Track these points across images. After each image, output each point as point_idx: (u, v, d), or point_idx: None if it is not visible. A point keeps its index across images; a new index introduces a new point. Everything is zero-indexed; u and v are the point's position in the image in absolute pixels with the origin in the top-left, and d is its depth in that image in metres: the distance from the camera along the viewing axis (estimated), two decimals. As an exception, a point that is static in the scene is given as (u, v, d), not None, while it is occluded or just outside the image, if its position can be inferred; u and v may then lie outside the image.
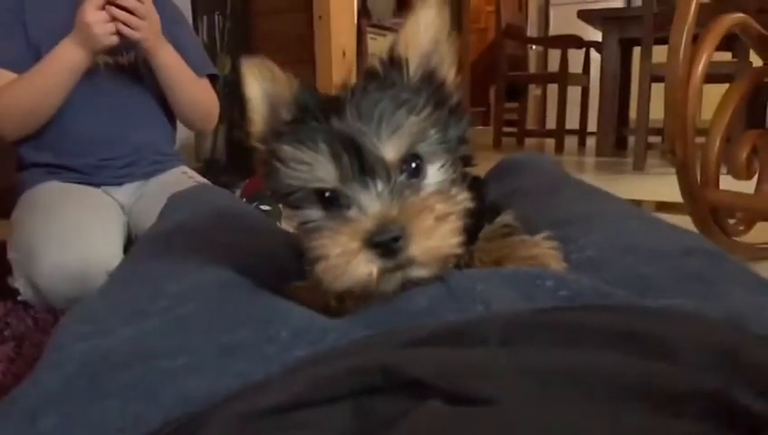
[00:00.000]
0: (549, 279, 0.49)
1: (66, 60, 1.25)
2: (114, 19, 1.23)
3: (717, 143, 1.34)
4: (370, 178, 0.48)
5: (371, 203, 0.47)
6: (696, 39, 1.27)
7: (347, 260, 0.46)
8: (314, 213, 0.51)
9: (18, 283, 1.16)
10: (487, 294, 0.48)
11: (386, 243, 0.45)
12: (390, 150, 0.49)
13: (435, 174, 0.52)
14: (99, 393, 0.43)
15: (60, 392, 0.43)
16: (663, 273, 0.55)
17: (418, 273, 0.47)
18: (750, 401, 0.28)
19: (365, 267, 0.45)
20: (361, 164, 0.48)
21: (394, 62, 0.53)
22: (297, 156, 0.49)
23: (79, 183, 1.35)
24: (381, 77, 0.52)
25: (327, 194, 0.50)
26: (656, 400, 0.29)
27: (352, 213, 0.47)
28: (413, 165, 0.50)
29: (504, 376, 0.31)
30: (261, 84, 0.54)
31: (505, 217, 0.60)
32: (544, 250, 0.56)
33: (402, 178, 0.49)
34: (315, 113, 0.50)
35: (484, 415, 0.30)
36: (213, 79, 1.54)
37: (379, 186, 0.48)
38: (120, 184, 1.39)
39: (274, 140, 0.52)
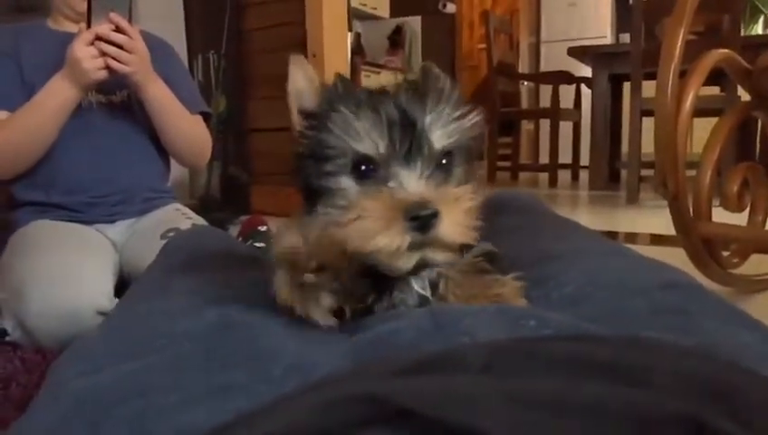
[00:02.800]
0: (532, 319, 0.51)
1: (57, 96, 1.26)
2: (104, 54, 1.24)
3: (708, 176, 1.35)
4: (415, 157, 0.52)
5: (414, 181, 0.51)
6: (683, 75, 1.30)
7: (384, 225, 0.49)
8: (348, 182, 0.53)
9: (7, 323, 1.14)
10: (473, 327, 0.49)
11: (423, 218, 0.49)
12: (438, 139, 0.53)
13: (458, 175, 0.57)
14: (93, 430, 0.43)
15: (55, 429, 0.44)
16: (641, 307, 0.57)
17: (436, 256, 0.52)
18: (723, 426, 0.28)
19: (398, 237, 0.49)
20: (410, 144, 0.52)
21: (437, 75, 0.59)
22: (351, 120, 0.52)
23: (70, 221, 1.34)
24: (424, 83, 0.57)
25: (363, 167, 0.53)
26: (632, 425, 0.29)
27: (393, 185, 0.51)
28: (444, 161, 0.55)
29: (490, 404, 0.31)
30: (305, 74, 0.58)
31: (484, 245, 0.63)
32: (510, 289, 0.60)
33: (438, 169, 0.54)
34: (365, 93, 0.54)
35: None
36: (206, 117, 1.55)
37: (422, 168, 0.52)
38: (112, 222, 1.39)
39: (329, 106, 0.54)
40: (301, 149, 0.57)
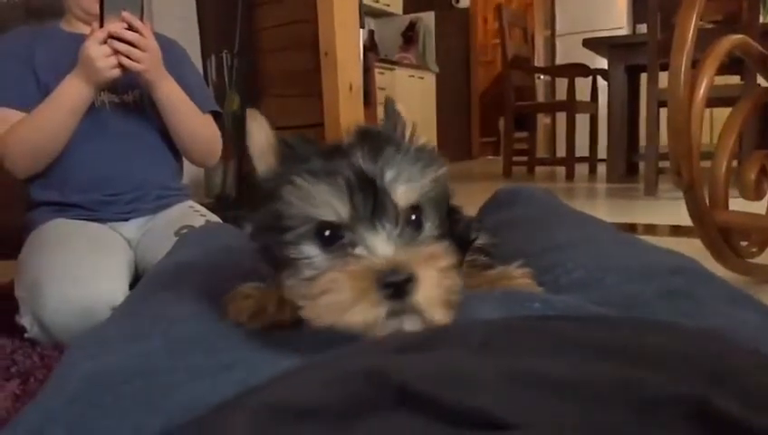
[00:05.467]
0: (536, 301, 0.51)
1: (71, 95, 1.28)
2: (116, 52, 1.26)
3: (724, 163, 1.33)
4: (381, 220, 0.48)
5: (383, 245, 0.47)
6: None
7: (357, 298, 0.45)
8: (312, 250, 0.49)
9: (25, 320, 1.16)
10: (477, 313, 0.49)
11: (398, 284, 0.45)
12: (403, 197, 0.49)
13: (430, 229, 0.52)
14: (100, 409, 0.44)
15: (64, 409, 0.45)
16: (649, 291, 0.56)
17: (415, 321, 0.46)
18: (728, 407, 0.27)
19: (374, 308, 0.45)
20: (374, 205, 0.48)
21: (395, 125, 0.55)
22: (309, 189, 0.48)
23: (86, 220, 1.36)
24: (380, 135, 0.53)
25: (327, 232, 0.49)
26: (634, 405, 0.28)
27: (361, 252, 0.47)
28: (413, 217, 0.51)
29: (489, 382, 0.31)
30: (264, 132, 0.55)
31: (481, 239, 0.63)
32: (518, 280, 0.59)
33: (407, 227, 0.50)
34: (319, 156, 0.50)
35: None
36: (216, 116, 1.57)
37: (389, 229, 0.48)
38: (126, 219, 1.41)
39: (283, 174, 0.51)
40: (259, 219, 0.53)
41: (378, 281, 0.45)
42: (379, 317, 0.45)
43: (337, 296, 0.45)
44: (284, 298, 0.53)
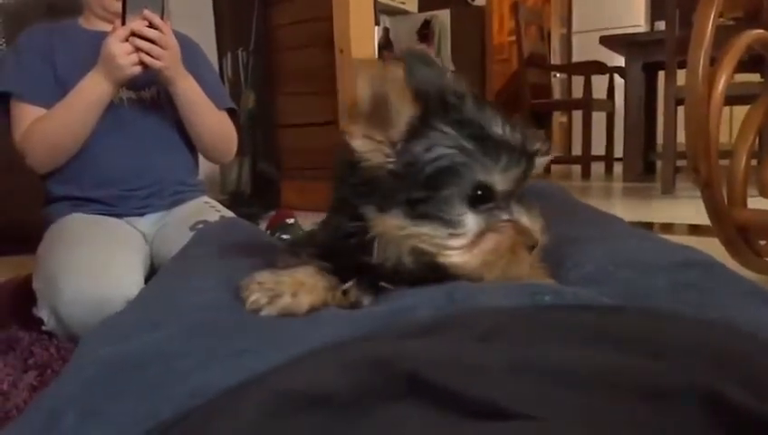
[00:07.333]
0: (548, 293, 0.51)
1: (92, 91, 1.30)
2: (137, 50, 1.27)
3: (743, 162, 1.31)
4: (521, 188, 0.57)
5: (523, 214, 0.56)
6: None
7: (515, 258, 0.54)
8: (463, 208, 0.54)
9: (42, 312, 1.18)
10: (488, 304, 0.49)
11: (533, 247, 0.56)
12: (534, 172, 0.58)
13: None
14: (115, 393, 0.45)
15: (79, 394, 0.46)
16: (659, 284, 0.57)
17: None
18: (736, 395, 0.27)
19: (523, 263, 0.55)
20: (524, 174, 0.55)
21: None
22: (490, 149, 0.53)
23: (103, 214, 1.38)
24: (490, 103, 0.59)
25: (480, 193, 0.54)
26: (644, 396, 0.28)
27: (511, 218, 0.56)
28: None
29: (496, 373, 0.31)
30: (372, 83, 0.54)
31: None
32: (535, 270, 0.62)
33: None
34: (465, 114, 0.54)
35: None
36: (232, 114, 1.58)
37: (526, 198, 0.58)
38: (142, 214, 1.42)
39: (442, 125, 0.54)
40: (390, 166, 0.54)
41: (527, 246, 0.55)
42: (526, 270, 0.56)
43: (499, 255, 0.54)
44: (299, 285, 0.55)
